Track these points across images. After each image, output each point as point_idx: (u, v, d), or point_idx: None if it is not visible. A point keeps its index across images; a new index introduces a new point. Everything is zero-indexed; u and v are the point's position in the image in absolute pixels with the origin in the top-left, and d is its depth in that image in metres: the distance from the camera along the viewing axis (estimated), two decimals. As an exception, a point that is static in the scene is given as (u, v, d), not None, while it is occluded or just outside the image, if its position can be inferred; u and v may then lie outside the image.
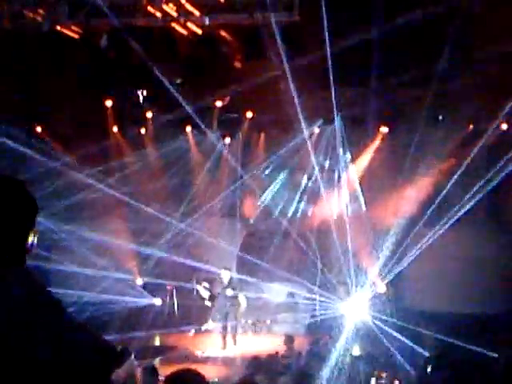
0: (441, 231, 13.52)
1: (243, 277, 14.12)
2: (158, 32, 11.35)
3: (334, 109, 13.80)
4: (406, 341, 11.37)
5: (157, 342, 13.56)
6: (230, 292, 13.23)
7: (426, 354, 10.57)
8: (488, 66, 11.77)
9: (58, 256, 13.57)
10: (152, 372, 7.61)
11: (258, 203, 15.63)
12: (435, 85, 12.26)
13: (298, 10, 10.59)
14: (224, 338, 13.10)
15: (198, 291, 14.08)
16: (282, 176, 15.59)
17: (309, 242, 14.61)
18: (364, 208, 14.82)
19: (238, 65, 12.60)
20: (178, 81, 13.15)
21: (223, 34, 11.73)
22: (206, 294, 13.80)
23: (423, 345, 11.36)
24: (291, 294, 14.98)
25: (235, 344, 13.09)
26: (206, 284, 13.93)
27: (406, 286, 14.32)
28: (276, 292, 14.91)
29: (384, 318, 12.69)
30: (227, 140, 15.51)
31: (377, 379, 9.67)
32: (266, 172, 15.59)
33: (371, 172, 14.65)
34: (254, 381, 8.47)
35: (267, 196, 15.58)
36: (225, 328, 13.18)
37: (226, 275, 13.44)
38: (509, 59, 11.32)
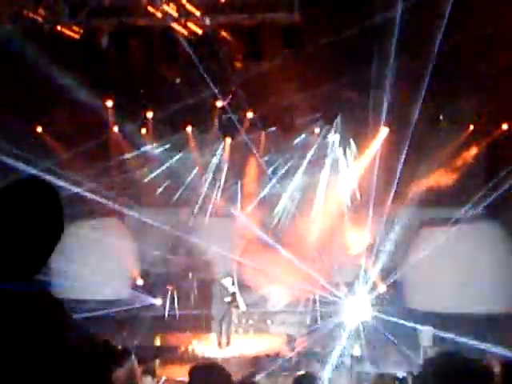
0: (441, 231, 13.52)
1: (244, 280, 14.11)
2: (157, 32, 11.34)
3: (334, 109, 13.85)
4: (407, 341, 11.37)
5: (157, 343, 13.56)
6: (231, 299, 13.25)
7: (427, 354, 10.57)
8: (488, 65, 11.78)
9: (57, 257, 13.53)
10: (150, 373, 7.60)
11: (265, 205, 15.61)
12: (435, 85, 12.27)
13: (298, 9, 10.60)
14: (219, 338, 13.11)
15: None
16: (282, 176, 15.58)
17: (309, 242, 14.60)
18: (363, 207, 14.80)
19: (238, 65, 12.60)
20: (178, 81, 13.15)
21: (223, 33, 11.72)
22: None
23: (423, 345, 11.37)
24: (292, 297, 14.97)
25: (229, 345, 13.09)
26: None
27: (406, 287, 14.31)
28: (277, 295, 14.89)
29: (385, 318, 12.68)
30: (228, 140, 15.51)
31: (377, 380, 9.66)
32: (267, 172, 15.59)
33: (371, 171, 14.63)
34: (253, 381, 8.48)
35: (268, 195, 15.58)
36: (220, 328, 13.18)
37: (228, 282, 13.45)
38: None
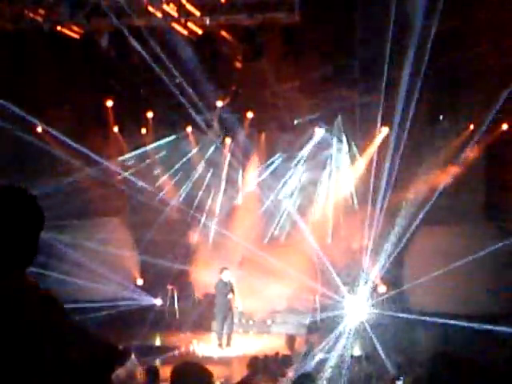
0: (441, 231, 13.53)
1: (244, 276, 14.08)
2: (157, 32, 11.34)
3: (334, 109, 13.84)
4: (407, 341, 11.37)
5: (157, 342, 13.56)
6: (229, 294, 13.20)
7: (426, 354, 10.56)
8: (488, 65, 11.79)
9: (57, 258, 13.54)
10: (154, 373, 7.60)
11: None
12: (435, 85, 12.29)
13: (298, 10, 10.59)
14: (220, 338, 13.08)
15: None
16: (282, 176, 15.59)
17: (310, 242, 14.60)
18: (363, 207, 14.81)
19: (238, 65, 12.60)
20: (178, 81, 13.16)
21: (223, 34, 11.73)
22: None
23: (423, 345, 11.38)
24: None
25: (229, 345, 13.05)
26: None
27: (406, 287, 14.31)
28: (276, 293, 14.88)
29: (385, 317, 12.69)
30: (228, 140, 15.51)
31: (377, 380, 9.65)
32: (267, 172, 15.60)
33: (371, 171, 14.65)
34: (254, 381, 8.47)
35: (269, 195, 15.59)
36: (221, 328, 13.15)
37: (226, 276, 13.38)
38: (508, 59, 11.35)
